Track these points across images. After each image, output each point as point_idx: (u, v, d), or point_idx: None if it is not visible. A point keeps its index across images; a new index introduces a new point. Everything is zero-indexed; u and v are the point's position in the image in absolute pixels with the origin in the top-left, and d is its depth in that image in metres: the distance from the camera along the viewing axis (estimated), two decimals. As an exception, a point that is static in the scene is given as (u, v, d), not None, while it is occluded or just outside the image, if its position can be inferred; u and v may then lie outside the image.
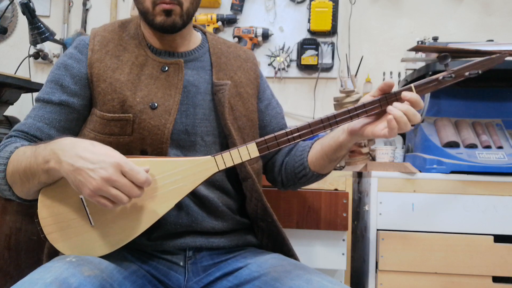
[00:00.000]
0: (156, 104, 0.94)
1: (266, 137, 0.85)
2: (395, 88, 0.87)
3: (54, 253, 0.92)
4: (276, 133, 0.85)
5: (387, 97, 0.86)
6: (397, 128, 0.84)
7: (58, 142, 0.82)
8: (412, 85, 0.87)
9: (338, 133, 0.93)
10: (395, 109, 0.84)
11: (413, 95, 0.85)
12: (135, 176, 0.77)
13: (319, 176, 1.04)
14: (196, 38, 1.07)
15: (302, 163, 1.03)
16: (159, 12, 0.94)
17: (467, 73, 0.87)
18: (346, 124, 0.88)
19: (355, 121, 0.88)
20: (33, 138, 0.94)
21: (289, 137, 0.85)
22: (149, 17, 0.95)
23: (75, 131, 0.98)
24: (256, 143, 0.85)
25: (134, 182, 0.77)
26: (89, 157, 0.76)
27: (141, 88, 0.95)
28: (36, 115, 0.95)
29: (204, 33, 1.11)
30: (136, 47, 0.99)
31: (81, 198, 0.83)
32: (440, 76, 0.88)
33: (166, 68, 0.98)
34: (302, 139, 0.86)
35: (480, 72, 0.87)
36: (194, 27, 1.09)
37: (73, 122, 0.97)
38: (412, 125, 0.86)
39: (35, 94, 1.85)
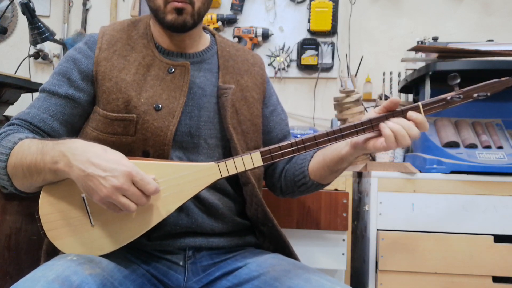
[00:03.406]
0: (160, 106, 0.94)
1: (271, 146, 0.85)
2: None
3: (52, 250, 0.92)
4: (281, 144, 0.85)
5: (394, 114, 0.85)
6: (394, 141, 0.82)
7: (67, 143, 0.81)
8: (420, 103, 0.86)
9: (341, 146, 0.92)
10: (393, 124, 0.83)
11: (419, 116, 0.84)
12: (145, 187, 0.77)
13: (319, 185, 1.03)
14: (205, 40, 1.07)
15: (303, 172, 1.02)
16: (171, 10, 0.94)
17: (475, 95, 0.87)
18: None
19: (360, 136, 0.87)
20: (36, 129, 0.93)
21: (293, 148, 0.85)
22: (160, 15, 0.95)
23: (77, 126, 0.98)
24: (261, 152, 0.84)
25: (144, 192, 0.78)
26: (100, 164, 0.76)
27: (146, 89, 0.95)
28: (41, 106, 0.94)
29: (213, 35, 1.10)
30: (144, 47, 0.99)
31: (83, 197, 0.83)
32: (448, 96, 0.87)
33: (173, 70, 0.97)
34: (306, 150, 0.85)
35: (488, 94, 0.87)
36: (204, 28, 1.09)
37: (76, 117, 0.97)
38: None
39: (35, 94, 1.85)
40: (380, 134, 0.86)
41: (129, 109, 0.93)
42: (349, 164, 0.96)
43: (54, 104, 0.95)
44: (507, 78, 0.87)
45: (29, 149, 0.84)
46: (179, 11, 0.93)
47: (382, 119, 0.85)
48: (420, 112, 0.86)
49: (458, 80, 0.88)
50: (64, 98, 0.95)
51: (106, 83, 0.94)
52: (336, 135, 0.85)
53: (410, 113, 0.84)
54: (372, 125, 0.86)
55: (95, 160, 0.77)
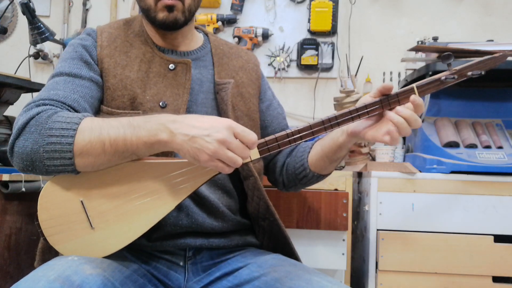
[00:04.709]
0: (165, 103, 0.94)
1: (267, 138, 0.84)
2: (395, 89, 0.86)
3: (48, 249, 0.92)
4: (277, 135, 0.84)
5: (389, 98, 0.85)
6: (399, 137, 0.83)
7: (160, 116, 0.80)
8: (414, 85, 0.85)
9: (338, 134, 0.93)
10: (396, 116, 0.83)
11: (416, 99, 0.83)
12: (247, 137, 0.77)
13: (320, 177, 1.03)
14: (198, 39, 1.08)
15: (303, 164, 1.03)
16: (161, 8, 0.94)
17: (469, 73, 0.85)
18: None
19: (356, 123, 0.87)
20: (71, 110, 0.86)
21: (290, 138, 0.84)
22: (151, 13, 0.96)
23: (96, 114, 0.94)
24: (257, 145, 0.84)
25: (245, 143, 0.77)
26: (201, 125, 0.76)
27: (150, 86, 0.95)
28: (66, 87, 0.88)
29: (206, 34, 1.11)
30: (142, 44, 1.00)
31: (81, 201, 0.83)
32: (442, 76, 0.86)
33: (174, 67, 0.98)
34: (303, 140, 0.85)
35: (483, 72, 0.85)
36: (196, 28, 1.10)
37: (98, 103, 0.93)
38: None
39: (35, 94, 1.85)
40: (377, 122, 0.86)
41: (134, 106, 0.93)
42: (347, 150, 0.96)
43: (80, 85, 0.90)
44: (500, 54, 0.86)
45: (109, 124, 0.79)
46: (170, 8, 0.94)
47: (376, 104, 0.85)
48: (414, 94, 0.85)
49: (452, 59, 0.85)
50: (88, 80, 0.92)
51: (110, 79, 0.94)
52: (331, 123, 0.85)
53: (411, 97, 0.84)
54: (367, 110, 0.85)
55: (195, 123, 0.77)
